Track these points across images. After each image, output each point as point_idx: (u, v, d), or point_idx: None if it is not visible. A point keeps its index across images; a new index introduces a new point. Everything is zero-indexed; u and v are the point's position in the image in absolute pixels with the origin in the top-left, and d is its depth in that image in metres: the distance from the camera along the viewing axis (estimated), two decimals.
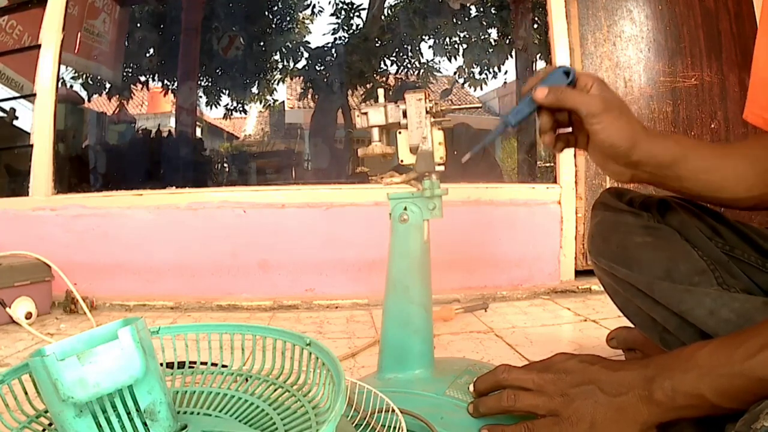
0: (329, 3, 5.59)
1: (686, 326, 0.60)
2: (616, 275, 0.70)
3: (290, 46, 5.71)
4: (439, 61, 5.55)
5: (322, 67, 5.58)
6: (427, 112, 0.70)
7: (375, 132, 0.73)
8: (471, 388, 0.63)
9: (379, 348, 0.77)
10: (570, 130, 0.66)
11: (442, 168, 0.72)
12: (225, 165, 5.40)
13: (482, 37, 5.17)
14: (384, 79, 5.44)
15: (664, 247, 0.65)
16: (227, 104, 6.05)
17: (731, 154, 0.64)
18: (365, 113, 0.73)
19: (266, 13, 5.61)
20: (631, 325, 0.80)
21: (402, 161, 0.73)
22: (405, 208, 0.73)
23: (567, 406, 0.52)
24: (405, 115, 0.71)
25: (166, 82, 5.34)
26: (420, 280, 0.74)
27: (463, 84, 5.68)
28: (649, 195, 0.72)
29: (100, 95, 4.77)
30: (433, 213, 0.73)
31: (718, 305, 0.58)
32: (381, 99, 0.74)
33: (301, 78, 5.94)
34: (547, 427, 0.53)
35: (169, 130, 4.78)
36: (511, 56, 4.90)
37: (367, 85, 5.37)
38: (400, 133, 0.72)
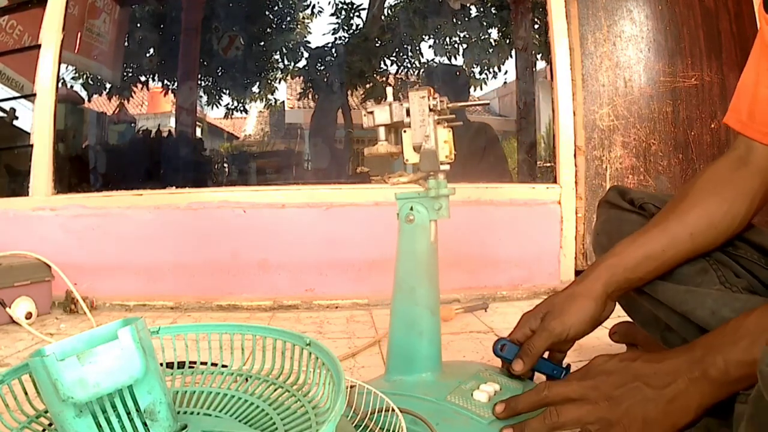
0: (329, 3, 5.58)
1: (688, 324, 0.61)
2: None
3: (290, 46, 5.70)
4: (439, 61, 5.54)
5: (322, 67, 5.58)
6: (430, 110, 0.69)
7: (381, 131, 0.72)
8: (498, 408, 0.59)
9: (387, 349, 0.76)
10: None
11: (447, 167, 0.71)
12: (225, 165, 5.39)
13: (482, 37, 5.17)
14: (384, 78, 5.44)
15: None
16: (227, 104, 6.06)
17: (683, 221, 0.64)
18: (371, 112, 0.72)
19: (266, 13, 5.61)
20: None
21: (407, 160, 0.72)
22: (411, 208, 0.72)
23: (615, 410, 0.49)
24: (408, 113, 0.70)
25: (166, 82, 5.33)
26: (426, 281, 0.73)
27: None
28: (653, 194, 0.73)
29: (100, 95, 4.76)
30: (440, 213, 0.72)
31: (719, 305, 0.58)
32: (390, 98, 0.73)
33: (301, 78, 5.94)
34: None
35: (169, 130, 4.78)
36: (511, 56, 4.90)
37: (367, 85, 5.37)
38: (405, 131, 0.71)
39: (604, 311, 0.66)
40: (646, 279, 0.64)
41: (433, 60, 5.52)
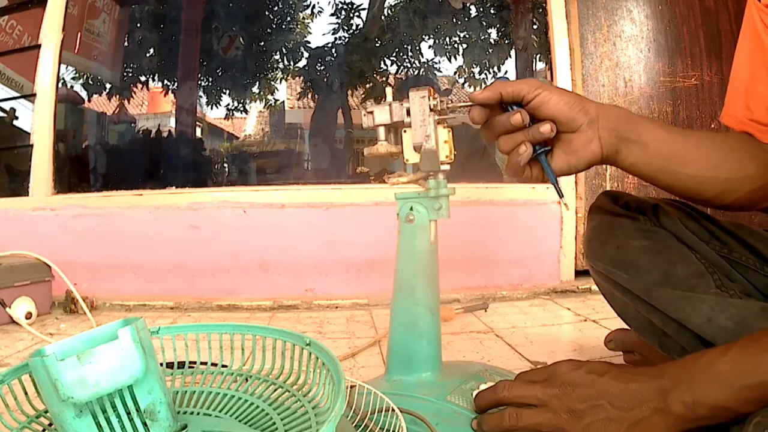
0: (329, 3, 5.59)
1: (685, 330, 0.60)
2: (613, 279, 0.70)
3: (290, 46, 5.71)
4: (439, 61, 5.55)
5: (322, 67, 5.58)
6: (431, 110, 0.68)
7: (381, 131, 0.72)
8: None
9: (387, 349, 0.76)
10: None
11: (447, 167, 0.70)
12: (225, 165, 5.40)
13: (482, 37, 5.18)
14: (384, 78, 5.44)
15: (662, 250, 0.65)
16: (227, 104, 6.06)
17: (695, 134, 0.62)
18: (371, 112, 0.72)
19: (266, 13, 5.61)
20: (629, 328, 0.80)
21: (407, 160, 0.71)
22: (411, 209, 0.72)
23: (575, 424, 0.49)
24: (409, 113, 0.69)
25: (166, 82, 5.34)
26: (426, 282, 0.73)
27: (463, 84, 5.68)
28: (645, 199, 0.72)
29: (100, 95, 4.77)
30: (440, 213, 0.72)
31: (715, 312, 0.57)
32: (389, 98, 0.72)
33: (301, 78, 5.94)
34: None
35: (169, 130, 4.78)
36: (511, 56, 4.91)
37: (367, 85, 5.37)
38: (405, 131, 0.71)
39: (589, 139, 0.56)
40: (638, 142, 0.58)
41: (433, 59, 5.53)
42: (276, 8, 5.76)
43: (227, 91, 5.90)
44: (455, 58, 5.39)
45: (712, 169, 0.59)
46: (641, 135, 0.58)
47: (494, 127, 0.59)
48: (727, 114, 0.66)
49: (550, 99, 0.56)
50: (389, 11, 5.51)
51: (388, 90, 0.75)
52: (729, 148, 0.61)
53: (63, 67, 2.04)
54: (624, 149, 0.58)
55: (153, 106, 6.87)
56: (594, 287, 1.73)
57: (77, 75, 4.28)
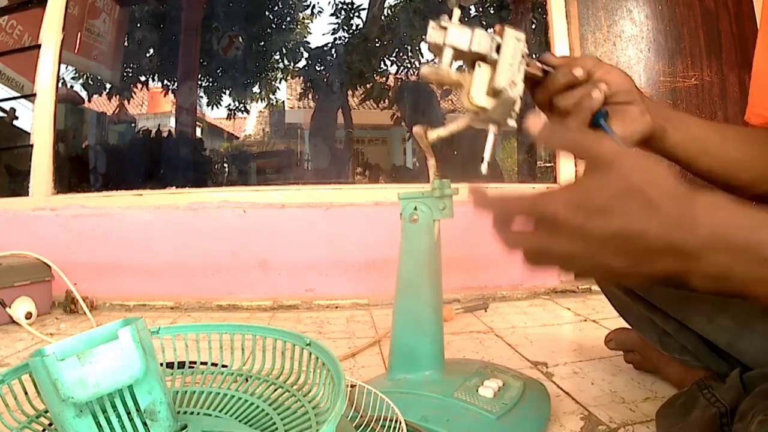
0: (329, 3, 5.59)
1: (686, 330, 0.60)
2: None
3: (290, 46, 5.71)
4: (439, 61, 5.55)
5: (322, 67, 5.58)
6: (522, 57, 0.57)
7: (448, 53, 0.56)
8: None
9: (390, 348, 0.76)
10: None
11: (514, 124, 0.61)
12: (225, 165, 5.40)
13: None
14: (384, 79, 5.44)
15: None
16: (228, 104, 6.07)
17: (721, 124, 0.63)
18: (445, 27, 0.55)
19: (266, 13, 5.61)
20: (630, 327, 0.80)
21: (472, 99, 0.57)
22: (415, 208, 0.72)
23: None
24: (498, 50, 0.56)
25: (166, 82, 5.34)
26: (429, 281, 0.73)
27: None
28: None
29: (100, 95, 4.77)
30: (443, 213, 0.72)
31: (716, 312, 0.57)
32: (455, 20, 0.57)
33: (301, 78, 5.94)
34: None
35: (169, 130, 4.78)
36: None
37: (367, 86, 5.37)
38: (479, 66, 0.56)
39: (643, 111, 0.57)
40: (679, 124, 0.59)
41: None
42: (276, 8, 5.76)
43: (227, 91, 5.90)
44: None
45: (748, 150, 0.60)
46: (680, 118, 0.59)
47: (550, 84, 0.59)
48: (754, 114, 0.64)
49: (610, 71, 0.57)
50: (389, 11, 5.52)
51: (456, 12, 0.58)
52: (763, 139, 0.61)
53: (63, 67, 2.04)
54: (670, 128, 0.59)
55: (153, 106, 6.87)
56: (594, 287, 1.73)
57: (77, 75, 4.28)
